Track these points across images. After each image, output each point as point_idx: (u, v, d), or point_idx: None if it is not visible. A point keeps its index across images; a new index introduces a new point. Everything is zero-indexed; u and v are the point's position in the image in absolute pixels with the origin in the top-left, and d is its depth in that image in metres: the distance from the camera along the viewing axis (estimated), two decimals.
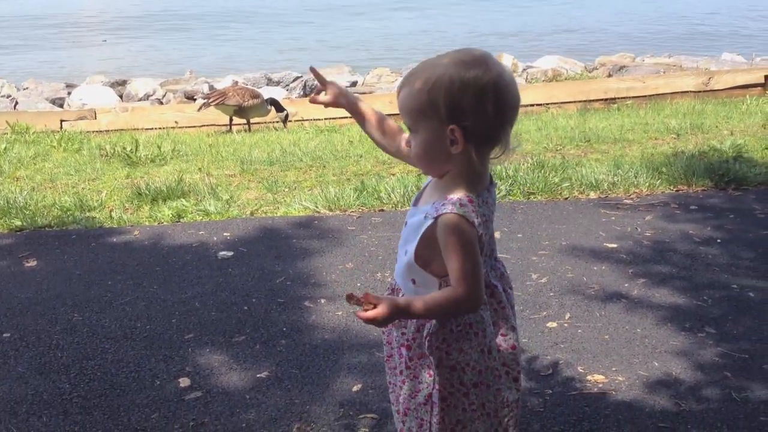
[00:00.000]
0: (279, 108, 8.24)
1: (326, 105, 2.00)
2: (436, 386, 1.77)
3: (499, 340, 1.79)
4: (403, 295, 1.79)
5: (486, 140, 1.68)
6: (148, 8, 25.00)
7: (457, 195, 1.68)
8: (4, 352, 3.07)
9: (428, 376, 1.78)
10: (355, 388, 2.75)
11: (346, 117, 8.56)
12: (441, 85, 1.64)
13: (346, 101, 1.99)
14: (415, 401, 1.81)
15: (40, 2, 24.48)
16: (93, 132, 7.81)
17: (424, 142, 1.69)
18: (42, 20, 22.71)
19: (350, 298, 1.68)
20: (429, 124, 1.67)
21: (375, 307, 1.68)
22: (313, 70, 2.07)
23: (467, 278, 1.66)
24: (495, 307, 1.79)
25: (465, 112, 1.63)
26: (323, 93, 1.99)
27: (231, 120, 8.23)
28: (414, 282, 1.76)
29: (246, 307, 3.42)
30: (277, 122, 8.43)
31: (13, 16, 23.40)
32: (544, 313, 3.29)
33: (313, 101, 2.01)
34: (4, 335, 3.21)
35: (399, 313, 1.71)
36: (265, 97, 8.32)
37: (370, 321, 1.69)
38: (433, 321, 1.75)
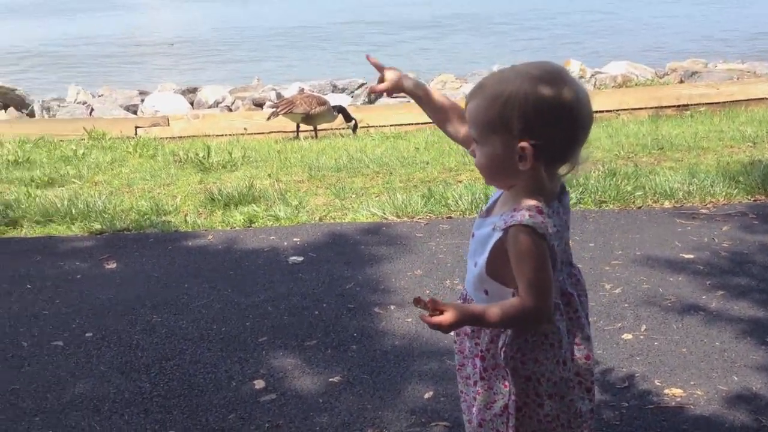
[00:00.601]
0: (347, 117, 8.30)
1: (388, 92, 1.97)
2: (513, 397, 1.76)
3: (574, 349, 1.77)
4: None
5: (556, 159, 1.67)
6: (216, 24, 25.50)
7: (526, 205, 1.66)
8: (87, 351, 3.18)
9: (504, 387, 1.77)
10: (426, 395, 2.76)
11: (412, 123, 8.49)
12: (515, 100, 1.61)
13: (409, 84, 1.95)
14: (491, 412, 1.80)
15: (110, 23, 25.21)
16: (166, 138, 8.01)
17: (491, 155, 1.68)
18: (114, 35, 23.41)
19: (417, 302, 1.69)
20: (498, 139, 1.65)
21: (441, 313, 1.68)
22: (369, 58, 2.03)
23: (536, 290, 1.64)
24: (570, 315, 1.77)
25: (538, 130, 1.61)
26: (384, 82, 1.96)
27: (298, 127, 8.35)
28: (486, 293, 1.76)
29: (317, 312, 3.47)
30: (343, 128, 8.52)
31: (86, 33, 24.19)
32: (619, 324, 3.24)
33: (373, 90, 1.99)
34: (87, 335, 3.32)
35: (465, 322, 1.71)
36: (332, 104, 8.41)
37: (435, 327, 1.69)
38: (509, 331, 1.74)
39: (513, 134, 1.62)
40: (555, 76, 1.63)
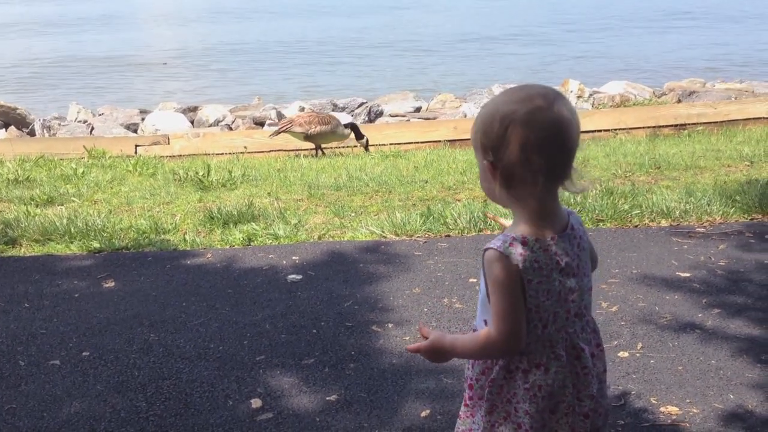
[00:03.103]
0: (359, 135, 8.36)
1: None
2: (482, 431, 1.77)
3: (574, 403, 1.73)
4: None
5: (511, 178, 1.64)
6: (209, 40, 25.57)
7: (514, 233, 1.68)
8: (83, 370, 3.18)
9: (481, 419, 1.78)
10: (423, 414, 2.76)
11: (411, 142, 8.56)
12: (482, 119, 1.67)
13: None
14: None
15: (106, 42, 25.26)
16: (166, 157, 8.04)
17: (480, 174, 1.73)
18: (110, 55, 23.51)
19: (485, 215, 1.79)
20: (479, 158, 1.70)
21: (426, 339, 1.74)
22: (488, 215, 2.05)
23: (501, 319, 1.65)
24: (578, 370, 1.73)
25: (490, 147, 1.64)
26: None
27: (319, 146, 8.38)
28: (486, 323, 1.74)
29: (315, 330, 3.47)
30: (344, 147, 8.57)
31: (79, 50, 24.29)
32: (615, 342, 3.24)
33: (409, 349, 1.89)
34: (84, 354, 3.32)
35: (440, 349, 1.75)
36: (344, 123, 8.44)
37: (415, 352, 1.76)
38: (496, 368, 1.73)
39: (484, 154, 1.66)
40: (527, 96, 1.63)
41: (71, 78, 18.57)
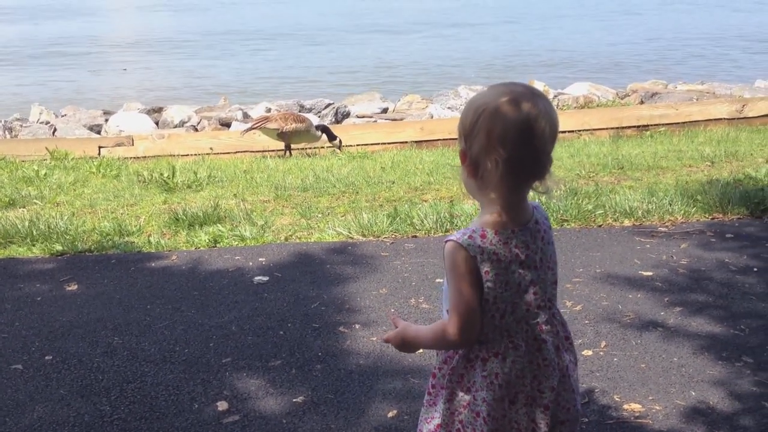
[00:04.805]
0: (331, 136, 8.33)
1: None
2: (440, 420, 1.80)
3: (535, 394, 1.75)
4: None
5: (477, 167, 1.69)
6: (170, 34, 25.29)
7: (474, 225, 1.72)
8: (46, 374, 3.14)
9: (442, 407, 1.80)
10: (390, 414, 2.77)
11: (378, 143, 8.52)
12: (464, 109, 1.74)
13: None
14: (428, 426, 1.85)
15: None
16: (130, 158, 7.95)
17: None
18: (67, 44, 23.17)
19: None
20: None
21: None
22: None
23: (455, 311, 1.69)
24: (538, 361, 1.75)
25: (464, 136, 1.70)
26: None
27: (289, 146, 8.34)
28: (448, 312, 1.76)
29: (282, 332, 3.46)
30: (311, 148, 8.55)
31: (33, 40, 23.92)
32: (579, 341, 3.28)
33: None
34: (46, 358, 3.28)
35: (405, 339, 1.82)
36: (316, 124, 8.41)
37: (386, 341, 1.87)
38: (457, 358, 1.77)
39: (460, 141, 1.72)
40: (504, 92, 1.68)
41: (32, 75, 18.28)
